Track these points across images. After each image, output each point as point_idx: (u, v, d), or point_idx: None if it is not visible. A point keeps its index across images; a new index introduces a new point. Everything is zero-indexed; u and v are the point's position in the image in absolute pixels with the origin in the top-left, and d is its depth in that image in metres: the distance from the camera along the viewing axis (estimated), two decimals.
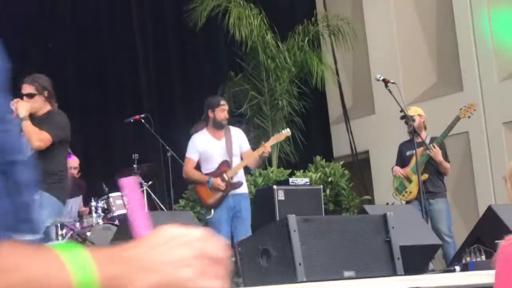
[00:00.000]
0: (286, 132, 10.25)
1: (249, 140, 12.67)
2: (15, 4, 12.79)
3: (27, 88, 7.86)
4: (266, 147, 9.51)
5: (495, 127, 12.52)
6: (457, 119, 10.02)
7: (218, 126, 9.58)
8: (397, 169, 9.88)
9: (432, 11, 14.52)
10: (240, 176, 9.58)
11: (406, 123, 9.96)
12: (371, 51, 15.02)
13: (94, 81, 13.49)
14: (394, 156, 10.42)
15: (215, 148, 9.52)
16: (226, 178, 9.33)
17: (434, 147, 9.63)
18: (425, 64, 14.56)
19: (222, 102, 9.87)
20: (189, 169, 9.60)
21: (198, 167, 9.61)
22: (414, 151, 9.50)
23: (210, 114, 9.61)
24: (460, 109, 10.14)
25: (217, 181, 9.31)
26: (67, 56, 13.27)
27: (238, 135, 9.73)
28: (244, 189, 9.59)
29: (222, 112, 9.60)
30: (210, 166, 9.45)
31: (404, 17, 14.83)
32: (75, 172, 10.84)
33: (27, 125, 7.61)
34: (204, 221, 9.88)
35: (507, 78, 13.13)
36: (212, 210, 9.41)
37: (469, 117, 10.21)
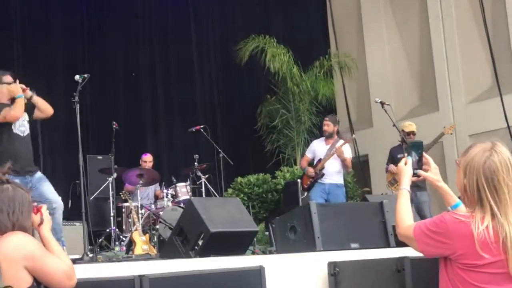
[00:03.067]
0: (350, 138, 10.22)
1: (278, 145, 13.02)
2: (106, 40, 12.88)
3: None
4: (337, 149, 9.42)
5: (463, 138, 12.44)
6: (442, 134, 9.91)
7: (326, 135, 9.75)
8: (392, 167, 9.80)
9: (416, 49, 14.47)
10: (332, 171, 9.50)
11: (404, 136, 9.82)
12: (371, 80, 15.00)
13: (164, 101, 13.56)
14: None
15: (320, 149, 9.67)
16: (314, 169, 9.52)
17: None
18: (410, 90, 14.51)
19: (325, 119, 10.00)
20: (302, 161, 10.08)
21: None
22: (404, 155, 9.37)
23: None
24: (444, 127, 9.99)
25: (309, 170, 9.58)
26: (144, 82, 13.37)
27: (338, 144, 9.51)
28: (336, 180, 9.55)
29: (323, 126, 9.83)
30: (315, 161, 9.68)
31: (395, 54, 14.80)
32: (150, 165, 10.90)
33: (37, 96, 6.71)
34: None
35: (472, 101, 13.07)
36: (306, 192, 9.71)
37: (451, 134, 10.11)
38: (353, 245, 6.28)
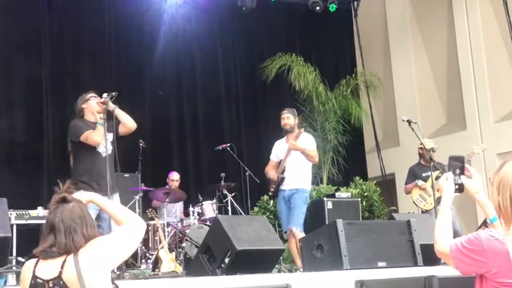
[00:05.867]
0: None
1: None
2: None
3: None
4: (290, 145, 8.45)
5: (491, 157, 12.34)
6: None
7: (285, 131, 8.73)
8: (422, 182, 9.73)
9: (443, 68, 14.43)
10: (293, 174, 8.47)
11: (430, 152, 9.68)
12: (397, 99, 14.97)
13: (190, 119, 13.60)
14: None
15: (282, 150, 8.68)
16: (275, 173, 8.56)
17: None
18: (437, 109, 14.45)
19: (282, 112, 8.92)
20: (267, 167, 8.85)
21: None
22: (430, 173, 9.32)
23: None
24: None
25: (270, 173, 8.66)
26: (171, 101, 13.42)
27: (302, 139, 8.56)
28: (297, 184, 8.45)
29: (281, 120, 8.79)
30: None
31: (422, 73, 14.77)
32: (177, 184, 10.96)
33: (119, 109, 6.86)
34: None
35: (500, 120, 12.98)
36: (271, 201, 8.88)
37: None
38: (380, 264, 6.26)
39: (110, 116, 6.79)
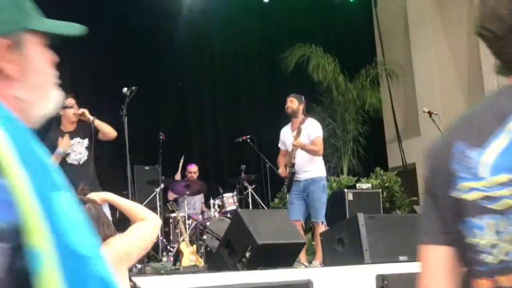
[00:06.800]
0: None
1: (324, 156, 10.04)
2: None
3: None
4: (295, 142, 8.21)
5: None
6: None
7: (289, 113, 8.60)
8: None
9: (464, 57, 14.32)
10: (304, 163, 8.25)
11: None
12: (418, 88, 14.88)
13: (210, 111, 13.64)
14: None
15: (289, 138, 8.50)
16: (285, 168, 8.39)
17: None
18: (458, 98, 14.35)
19: (289, 96, 8.79)
20: (278, 158, 8.72)
21: None
22: None
23: None
24: None
25: (281, 171, 8.54)
26: (190, 93, 13.46)
27: (308, 125, 8.34)
28: (311, 173, 8.23)
29: (286, 104, 8.69)
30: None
31: (443, 63, 14.67)
32: (195, 176, 11.00)
33: (98, 121, 6.97)
34: None
35: None
36: (288, 194, 8.56)
37: None
38: (401, 258, 6.25)
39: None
